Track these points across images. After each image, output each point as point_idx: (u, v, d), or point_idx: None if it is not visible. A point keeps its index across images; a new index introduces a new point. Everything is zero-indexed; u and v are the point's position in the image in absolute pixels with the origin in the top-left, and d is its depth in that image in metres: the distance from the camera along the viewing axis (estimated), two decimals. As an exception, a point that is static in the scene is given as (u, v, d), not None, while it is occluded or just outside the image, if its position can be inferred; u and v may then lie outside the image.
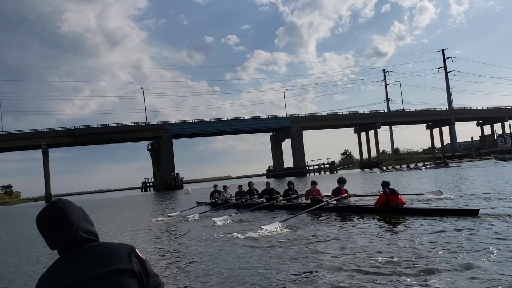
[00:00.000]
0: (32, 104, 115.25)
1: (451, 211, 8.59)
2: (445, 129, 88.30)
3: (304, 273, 5.08)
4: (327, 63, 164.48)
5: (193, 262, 6.50)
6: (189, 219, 12.79)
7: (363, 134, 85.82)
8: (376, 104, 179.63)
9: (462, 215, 8.12)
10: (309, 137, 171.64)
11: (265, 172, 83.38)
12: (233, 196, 16.72)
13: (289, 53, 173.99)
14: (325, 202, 11.31)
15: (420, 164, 49.39)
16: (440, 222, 7.79)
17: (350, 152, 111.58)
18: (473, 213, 8.10)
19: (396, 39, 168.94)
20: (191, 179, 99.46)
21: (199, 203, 17.83)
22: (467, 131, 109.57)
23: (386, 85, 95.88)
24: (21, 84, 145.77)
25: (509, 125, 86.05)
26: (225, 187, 17.99)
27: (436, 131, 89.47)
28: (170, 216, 14.37)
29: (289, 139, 76.78)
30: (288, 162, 79.92)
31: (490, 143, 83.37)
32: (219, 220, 11.14)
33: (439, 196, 12.02)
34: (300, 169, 72.50)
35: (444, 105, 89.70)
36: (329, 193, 11.96)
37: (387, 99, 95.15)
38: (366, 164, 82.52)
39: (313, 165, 77.50)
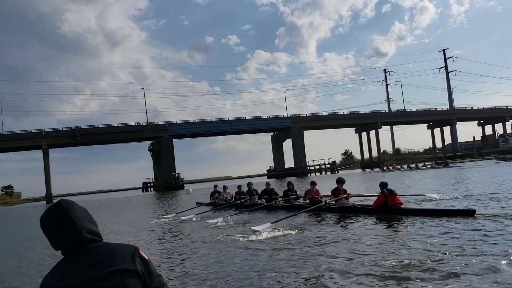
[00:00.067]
0: (32, 105, 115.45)
1: (448, 212, 8.67)
2: (446, 129, 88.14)
3: (306, 278, 4.97)
4: (328, 63, 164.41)
5: (194, 263, 6.42)
6: (185, 221, 12.80)
7: (364, 134, 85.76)
8: (376, 104, 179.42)
9: (459, 215, 8.21)
10: (310, 137, 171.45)
11: (266, 172, 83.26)
12: (233, 197, 16.69)
13: (290, 53, 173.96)
14: (323, 203, 11.32)
15: (420, 164, 49.25)
16: (437, 222, 7.80)
17: (351, 152, 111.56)
18: (469, 213, 8.18)
19: (397, 39, 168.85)
20: (192, 179, 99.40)
21: (199, 204, 17.87)
22: (468, 131, 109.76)
23: (387, 85, 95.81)
24: (21, 85, 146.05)
25: (511, 125, 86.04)
26: (224, 187, 18.00)
27: (437, 131, 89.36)
28: (166, 218, 14.39)
29: (290, 139, 76.66)
30: (289, 162, 79.94)
31: (491, 143, 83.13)
32: (213, 222, 11.20)
33: (436, 197, 12.04)
34: (301, 169, 72.37)
35: (445, 105, 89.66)
36: (329, 194, 11.89)
37: (388, 99, 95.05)
38: (367, 164, 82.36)
39: (314, 165, 77.39)
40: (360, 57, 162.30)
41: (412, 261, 5.06)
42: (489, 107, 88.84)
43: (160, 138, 68.38)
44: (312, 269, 5.23)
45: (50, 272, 1.57)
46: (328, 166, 76.37)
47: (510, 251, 5.15)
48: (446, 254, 5.32)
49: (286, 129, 75.87)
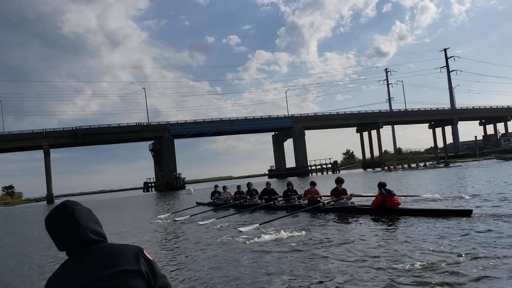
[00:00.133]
0: (33, 105, 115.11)
1: (445, 212, 8.75)
2: (448, 129, 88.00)
3: (312, 282, 4.87)
4: (329, 63, 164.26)
5: (191, 264, 6.33)
6: (180, 221, 12.89)
7: (365, 134, 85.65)
8: (377, 104, 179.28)
9: (456, 215, 8.29)
10: (311, 137, 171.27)
11: (267, 172, 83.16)
12: (233, 197, 16.73)
13: (291, 53, 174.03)
14: (321, 203, 11.35)
15: (421, 164, 49.17)
16: (434, 223, 7.85)
17: (352, 152, 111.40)
18: (466, 213, 8.27)
19: (398, 38, 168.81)
20: (193, 179, 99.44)
21: (198, 203, 18.02)
22: (469, 131, 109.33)
23: (388, 84, 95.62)
24: (22, 85, 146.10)
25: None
26: (224, 187, 18.14)
27: (438, 130, 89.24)
28: (160, 218, 14.47)
29: (291, 139, 76.58)
30: (290, 162, 79.84)
31: (493, 143, 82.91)
32: (210, 222, 11.34)
33: (433, 197, 12.15)
34: (302, 169, 72.25)
35: (446, 105, 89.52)
36: (329, 194, 11.90)
37: (389, 99, 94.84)
38: (368, 164, 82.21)
39: (315, 165, 77.34)
40: (361, 57, 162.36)
41: (411, 262, 5.05)
42: (491, 107, 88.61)
43: (161, 138, 68.34)
44: (319, 273, 5.12)
45: (55, 273, 1.57)
46: (330, 166, 76.26)
47: (505, 251, 5.18)
48: (445, 254, 5.31)
49: (287, 128, 75.76)
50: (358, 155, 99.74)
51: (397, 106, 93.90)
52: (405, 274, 4.57)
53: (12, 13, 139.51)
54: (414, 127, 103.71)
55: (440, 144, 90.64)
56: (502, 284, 4.01)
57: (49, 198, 63.06)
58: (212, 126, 73.02)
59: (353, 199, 11.54)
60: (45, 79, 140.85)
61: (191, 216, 13.82)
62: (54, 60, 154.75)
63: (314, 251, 6.31)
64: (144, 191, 73.97)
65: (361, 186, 22.56)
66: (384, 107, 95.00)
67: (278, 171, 78.03)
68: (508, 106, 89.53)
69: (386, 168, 54.21)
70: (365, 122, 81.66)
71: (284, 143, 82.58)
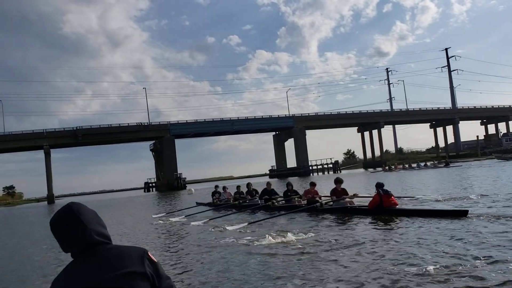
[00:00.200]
0: (34, 105, 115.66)
1: (441, 212, 8.86)
2: (449, 129, 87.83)
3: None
4: (329, 63, 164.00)
5: (189, 266, 6.24)
6: (175, 222, 12.96)
7: (366, 134, 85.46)
8: (378, 104, 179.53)
9: (452, 216, 8.39)
10: (312, 137, 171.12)
11: (268, 172, 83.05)
12: (234, 197, 16.83)
13: (291, 53, 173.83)
14: (319, 203, 11.47)
15: (422, 164, 49.02)
16: (432, 223, 7.90)
17: (353, 152, 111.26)
18: (462, 214, 8.36)
19: (398, 38, 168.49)
20: (193, 179, 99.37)
21: (198, 204, 18.22)
22: (471, 131, 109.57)
23: (389, 84, 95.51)
24: (22, 85, 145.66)
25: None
26: (224, 188, 18.27)
27: (440, 130, 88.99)
28: (154, 217, 14.63)
29: (292, 138, 76.44)
30: (291, 162, 79.65)
31: (494, 143, 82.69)
32: (205, 223, 11.45)
33: (430, 197, 12.30)
34: (304, 169, 72.11)
35: (447, 104, 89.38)
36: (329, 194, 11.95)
37: (390, 99, 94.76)
38: (369, 163, 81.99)
39: (316, 165, 77.20)
40: (362, 57, 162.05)
41: (409, 263, 5.04)
42: (492, 106, 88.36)
43: (162, 138, 68.25)
44: (331, 276, 4.98)
45: (60, 274, 1.58)
46: (331, 165, 76.13)
47: (500, 252, 5.21)
48: (443, 254, 5.34)
49: (288, 128, 75.61)
50: (359, 155, 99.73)
51: (398, 105, 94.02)
52: (417, 277, 4.48)
53: (12, 13, 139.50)
54: (415, 127, 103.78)
55: (441, 144, 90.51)
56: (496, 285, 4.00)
57: (50, 198, 62.99)
58: (212, 126, 72.93)
59: (353, 199, 11.51)
60: (46, 79, 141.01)
61: (191, 216, 13.80)
62: (55, 61, 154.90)
63: (320, 254, 6.21)
64: (145, 191, 73.89)
65: (363, 186, 22.48)
66: (385, 106, 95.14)
67: (279, 171, 77.90)
68: (510, 106, 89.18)
69: (387, 168, 54.13)
70: (366, 122, 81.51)
71: (285, 143, 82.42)
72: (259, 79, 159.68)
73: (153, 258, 1.62)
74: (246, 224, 9.56)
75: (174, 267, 6.33)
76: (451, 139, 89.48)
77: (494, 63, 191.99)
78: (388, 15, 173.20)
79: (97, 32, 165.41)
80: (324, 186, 20.24)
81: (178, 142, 73.29)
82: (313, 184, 12.60)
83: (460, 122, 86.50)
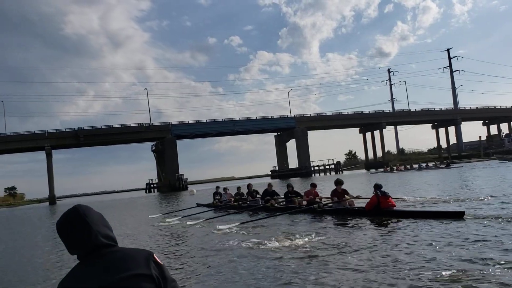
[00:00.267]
0: (35, 106, 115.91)
1: (438, 214, 8.96)
2: (451, 129, 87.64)
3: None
4: (331, 63, 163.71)
5: (188, 267, 6.18)
6: (171, 223, 13.05)
7: (368, 134, 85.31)
8: (380, 104, 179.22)
9: (448, 217, 8.48)
10: (314, 137, 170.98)
11: (270, 173, 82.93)
12: (234, 198, 16.87)
13: (292, 54, 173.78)
14: (317, 204, 11.56)
15: (423, 165, 48.89)
16: (429, 224, 7.95)
17: (355, 153, 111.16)
18: (459, 215, 8.45)
19: (400, 39, 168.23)
20: (195, 180, 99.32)
21: (199, 204, 18.41)
22: (473, 131, 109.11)
23: (391, 85, 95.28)
24: (24, 86, 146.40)
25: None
26: (225, 189, 18.38)
27: (442, 131, 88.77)
28: (150, 217, 14.76)
29: (294, 139, 76.34)
30: (293, 162, 79.51)
31: (497, 143, 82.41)
32: (198, 225, 11.60)
33: (428, 198, 12.41)
34: (305, 169, 72.00)
35: (449, 105, 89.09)
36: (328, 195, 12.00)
37: (392, 99, 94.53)
38: (371, 164, 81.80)
39: (318, 166, 77.06)
40: (363, 57, 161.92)
41: (408, 264, 5.05)
42: (494, 107, 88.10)
43: (164, 138, 68.25)
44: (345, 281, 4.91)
45: (66, 276, 1.58)
46: (333, 166, 75.96)
47: (496, 252, 5.27)
48: (441, 255, 5.40)
49: (290, 129, 75.53)
50: (361, 155, 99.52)
51: (400, 106, 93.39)
52: (431, 282, 4.42)
53: (13, 14, 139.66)
54: (417, 128, 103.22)
55: (443, 144, 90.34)
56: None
57: (51, 199, 62.99)
58: (214, 127, 72.89)
59: (352, 200, 11.47)
60: (47, 80, 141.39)
61: (191, 216, 13.86)
62: (56, 61, 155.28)
63: (329, 257, 6.13)
64: (146, 192, 73.91)
65: (366, 187, 22.34)
66: (387, 107, 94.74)
67: (281, 172, 77.75)
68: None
69: (388, 168, 54.00)
70: (367, 122, 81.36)
71: (287, 143, 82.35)
72: (260, 80, 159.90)
73: (158, 260, 1.62)
74: (238, 223, 9.62)
75: (179, 271, 6.19)
76: (453, 139, 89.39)
77: (496, 63, 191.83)
78: (390, 16, 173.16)
79: (99, 33, 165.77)
80: (327, 188, 20.14)
81: (180, 143, 73.26)
82: (313, 185, 12.63)
83: (462, 122, 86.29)
